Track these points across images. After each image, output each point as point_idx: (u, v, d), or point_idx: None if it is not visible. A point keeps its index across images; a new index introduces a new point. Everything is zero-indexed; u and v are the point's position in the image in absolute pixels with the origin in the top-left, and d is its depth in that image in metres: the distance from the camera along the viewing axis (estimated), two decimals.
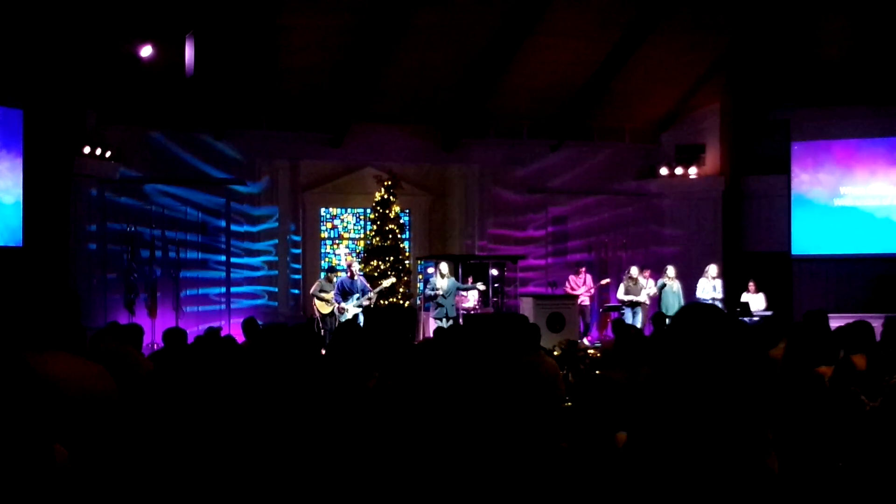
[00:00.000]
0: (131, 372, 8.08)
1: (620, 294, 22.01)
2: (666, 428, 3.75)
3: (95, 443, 3.85)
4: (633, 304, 21.69)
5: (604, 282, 23.62)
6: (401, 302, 23.32)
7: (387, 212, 23.94)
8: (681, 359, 3.80)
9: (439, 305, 20.32)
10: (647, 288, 21.86)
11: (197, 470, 4.79)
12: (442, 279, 20.41)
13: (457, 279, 21.40)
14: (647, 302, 21.88)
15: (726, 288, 22.30)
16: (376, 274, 22.69)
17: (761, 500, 3.65)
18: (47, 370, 3.68)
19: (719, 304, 21.45)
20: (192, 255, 23.09)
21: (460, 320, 20.32)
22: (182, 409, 5.78)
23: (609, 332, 21.91)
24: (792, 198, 24.40)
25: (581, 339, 21.59)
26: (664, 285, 21.54)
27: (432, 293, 20.36)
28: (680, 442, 3.70)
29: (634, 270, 21.95)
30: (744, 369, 3.79)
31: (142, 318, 20.43)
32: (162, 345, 12.57)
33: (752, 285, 22.12)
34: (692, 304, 4.09)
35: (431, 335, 19.06)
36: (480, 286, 21.37)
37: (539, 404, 8.25)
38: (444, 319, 20.04)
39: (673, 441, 3.71)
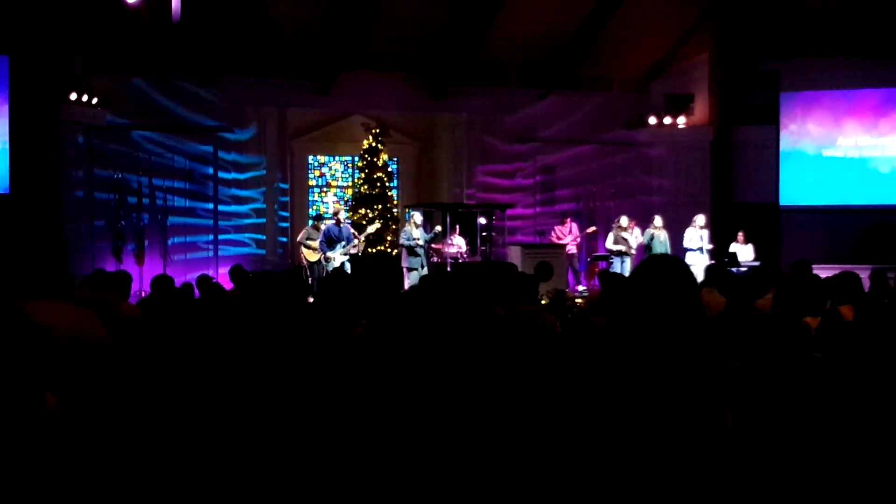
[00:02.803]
0: (111, 319, 8.05)
1: (609, 243, 22.00)
2: (619, 380, 3.76)
3: (86, 390, 3.85)
4: (622, 254, 21.70)
5: (590, 230, 23.59)
6: (388, 250, 23.34)
7: (375, 160, 23.91)
8: (636, 310, 3.80)
9: (416, 255, 20.34)
10: (635, 237, 21.86)
11: (186, 416, 4.81)
12: (417, 229, 20.43)
13: (444, 227, 21.47)
14: (634, 252, 21.90)
15: (714, 238, 22.32)
16: (364, 222, 22.68)
17: (719, 455, 3.66)
18: (37, 317, 3.68)
19: (707, 254, 21.54)
20: (179, 202, 23.04)
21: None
22: (172, 356, 5.79)
23: (597, 282, 21.96)
24: (781, 148, 24.40)
25: (574, 287, 21.73)
26: (652, 237, 21.51)
27: (412, 243, 20.33)
28: (632, 394, 3.70)
29: (624, 220, 21.92)
30: (697, 323, 3.78)
31: (129, 266, 20.42)
32: (150, 292, 12.57)
33: (741, 235, 22.14)
34: (653, 256, 4.07)
35: (409, 285, 19.18)
36: (438, 228, 21.37)
37: (537, 354, 8.26)
38: (421, 268, 20.12)
39: (626, 392, 3.72)
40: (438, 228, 21.31)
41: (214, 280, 14.20)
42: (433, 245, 21.20)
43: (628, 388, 3.71)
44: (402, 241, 20.80)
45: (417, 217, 20.75)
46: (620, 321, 3.84)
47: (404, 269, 20.42)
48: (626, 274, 20.34)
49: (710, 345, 3.79)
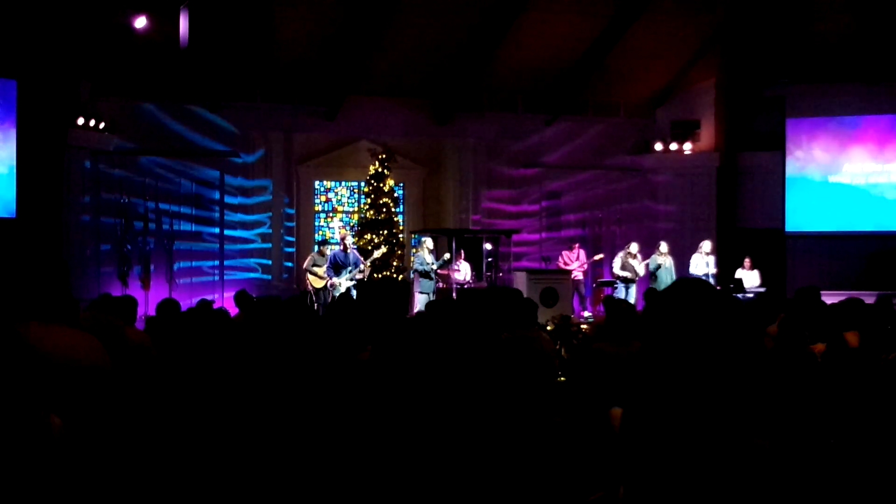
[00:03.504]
0: (117, 343, 8.04)
1: (616, 268, 21.97)
2: (656, 404, 3.74)
3: (89, 414, 3.85)
4: (627, 280, 21.69)
5: (597, 257, 23.58)
6: (394, 275, 23.33)
7: (381, 185, 23.91)
8: (672, 333, 3.78)
9: (430, 279, 20.50)
10: (641, 265, 21.84)
11: (191, 441, 4.80)
12: (430, 254, 20.62)
13: (451, 253, 21.52)
14: (638, 277, 21.90)
15: (720, 264, 22.31)
16: (370, 247, 22.68)
17: (754, 477, 3.66)
18: (34, 340, 3.68)
19: (712, 280, 21.51)
20: (185, 227, 23.07)
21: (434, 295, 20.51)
22: (176, 381, 5.79)
23: (602, 308, 21.94)
24: (786, 174, 24.39)
25: (580, 313, 21.73)
26: (659, 266, 21.51)
27: (427, 268, 20.50)
28: (669, 418, 3.68)
29: (634, 246, 21.93)
30: (737, 347, 3.78)
31: (135, 290, 20.42)
32: (154, 315, 12.57)
33: (747, 261, 22.12)
34: (684, 279, 4.07)
35: (418, 309, 19.18)
36: (446, 256, 21.38)
37: (534, 379, 8.26)
38: (432, 293, 20.24)
39: (663, 417, 3.70)
40: (447, 256, 21.32)
41: (220, 305, 14.20)
42: (440, 271, 21.26)
43: (666, 407, 3.69)
44: (416, 266, 20.89)
45: (429, 242, 20.95)
46: (660, 341, 3.82)
47: (416, 294, 20.49)
48: (631, 300, 20.34)
49: (756, 367, 3.79)
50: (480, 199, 25.54)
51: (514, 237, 24.67)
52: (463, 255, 21.94)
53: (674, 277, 21.33)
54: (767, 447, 3.74)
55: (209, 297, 17.15)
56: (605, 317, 10.00)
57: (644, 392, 3.81)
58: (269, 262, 24.22)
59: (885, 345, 7.25)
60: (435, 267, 20.61)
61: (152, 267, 22.18)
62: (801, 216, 24.25)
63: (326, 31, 21.69)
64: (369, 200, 24.03)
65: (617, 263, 22.02)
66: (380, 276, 22.68)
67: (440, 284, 21.32)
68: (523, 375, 7.96)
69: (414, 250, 22.36)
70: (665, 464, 3.66)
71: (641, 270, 21.77)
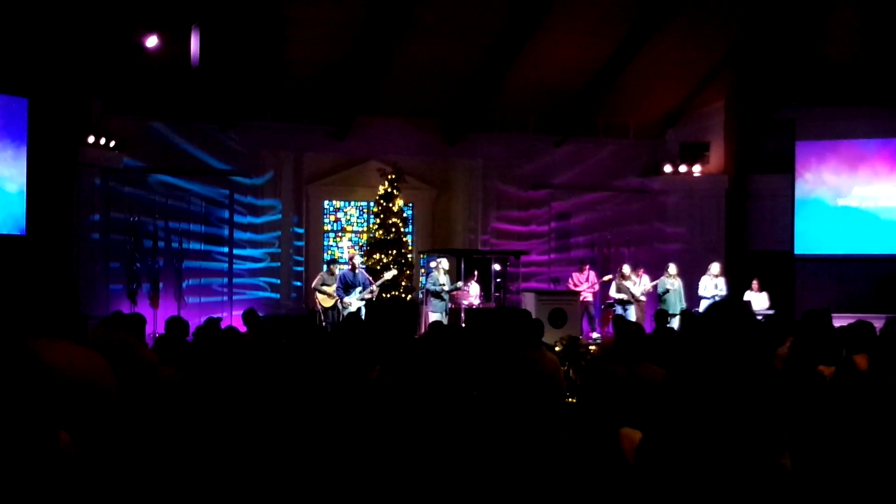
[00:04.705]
0: (133, 361, 8.08)
1: (612, 292, 22.02)
2: (683, 425, 3.74)
3: (95, 429, 3.85)
4: (624, 303, 21.68)
5: (605, 278, 23.58)
6: (403, 295, 23.31)
7: (390, 205, 23.89)
8: (704, 356, 3.79)
9: (441, 300, 20.54)
10: (638, 286, 21.81)
11: (199, 456, 4.80)
12: (444, 276, 20.66)
13: (458, 273, 21.56)
14: (643, 299, 21.87)
15: (728, 286, 22.27)
16: (379, 267, 22.67)
17: (776, 497, 3.66)
18: (45, 357, 3.69)
19: None
20: (195, 245, 23.11)
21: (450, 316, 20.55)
22: (186, 398, 5.79)
23: (610, 329, 21.92)
24: (796, 197, 24.35)
25: (589, 334, 21.72)
26: (667, 291, 21.52)
27: (437, 288, 20.54)
28: (697, 439, 3.68)
29: (626, 269, 21.97)
30: (764, 368, 3.79)
31: (144, 308, 20.44)
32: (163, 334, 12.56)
33: (755, 284, 22.10)
34: (720, 302, 4.07)
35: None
36: (459, 283, 21.42)
37: (537, 399, 8.25)
38: (444, 314, 20.28)
39: (690, 438, 3.70)
40: (460, 284, 21.37)
41: (228, 324, 14.21)
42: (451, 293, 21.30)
43: (693, 427, 3.69)
44: (427, 286, 20.92)
45: (445, 263, 21.01)
46: (689, 363, 3.82)
47: (429, 314, 20.49)
48: (631, 320, 20.34)
49: (775, 389, 3.79)
50: (489, 219, 25.57)
51: (523, 258, 24.65)
52: (476, 275, 21.97)
53: (682, 299, 21.40)
54: (789, 469, 3.75)
55: (217, 316, 17.15)
56: (614, 338, 10.00)
57: (672, 412, 3.80)
58: (278, 282, 24.24)
59: (894, 368, 7.21)
60: (447, 288, 20.67)
61: (161, 285, 22.23)
62: (810, 239, 24.21)
63: (337, 52, 21.75)
64: (378, 220, 24.00)
65: (612, 287, 22.08)
66: (388, 296, 22.68)
67: (450, 305, 21.34)
68: (525, 395, 7.95)
69: (422, 270, 22.31)
70: (695, 483, 3.65)
71: (637, 290, 21.75)
